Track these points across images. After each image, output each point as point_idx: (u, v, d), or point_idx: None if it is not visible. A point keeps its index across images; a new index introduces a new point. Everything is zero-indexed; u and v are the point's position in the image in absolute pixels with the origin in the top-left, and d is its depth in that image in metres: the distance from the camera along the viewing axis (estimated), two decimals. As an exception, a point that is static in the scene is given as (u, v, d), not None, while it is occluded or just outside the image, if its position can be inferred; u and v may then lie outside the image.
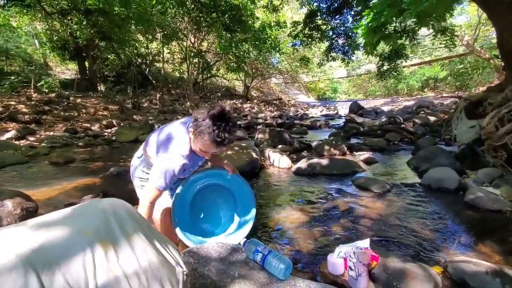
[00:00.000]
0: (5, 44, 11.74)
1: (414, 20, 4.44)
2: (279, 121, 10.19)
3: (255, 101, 20.32)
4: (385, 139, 5.94)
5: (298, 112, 17.07)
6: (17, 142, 5.64)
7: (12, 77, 8.64)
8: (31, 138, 6.18)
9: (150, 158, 1.38)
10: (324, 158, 3.90)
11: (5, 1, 8.65)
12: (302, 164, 3.71)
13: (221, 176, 1.61)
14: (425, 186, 3.05)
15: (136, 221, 0.72)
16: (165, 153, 1.24)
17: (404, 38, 7.48)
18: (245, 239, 1.33)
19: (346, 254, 1.30)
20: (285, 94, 28.13)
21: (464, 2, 10.30)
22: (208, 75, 16.73)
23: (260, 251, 1.18)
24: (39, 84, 9.41)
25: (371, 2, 3.04)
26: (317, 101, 31.05)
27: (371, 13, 3.02)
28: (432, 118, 8.63)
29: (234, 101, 18.54)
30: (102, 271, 0.57)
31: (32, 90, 9.56)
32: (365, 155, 4.41)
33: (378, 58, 10.05)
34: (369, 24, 2.93)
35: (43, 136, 6.40)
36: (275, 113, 15.06)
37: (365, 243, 1.40)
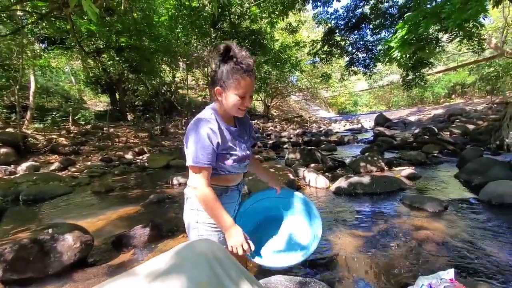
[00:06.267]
0: (46, 83, 13.02)
1: (437, 28, 4.31)
2: (305, 139, 10.06)
3: (275, 120, 20.41)
4: (422, 151, 5.63)
5: (321, 128, 16.84)
6: (60, 173, 5.98)
7: (54, 113, 9.41)
8: (72, 169, 6.53)
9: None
10: (363, 175, 3.73)
11: (47, 45, 9.60)
12: (342, 183, 3.56)
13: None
14: (484, 202, 2.79)
15: (235, 264, 0.68)
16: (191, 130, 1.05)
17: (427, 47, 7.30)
18: None
19: (432, 287, 1.16)
20: (305, 111, 28.09)
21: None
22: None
23: None
24: (76, 117, 10.17)
25: (405, 15, 2.99)
26: (338, 115, 30.67)
27: (406, 26, 2.97)
28: (470, 126, 8.13)
29: (256, 121, 18.73)
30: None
31: (70, 123, 10.32)
32: (406, 170, 4.16)
33: (401, 69, 9.82)
34: (405, 37, 2.87)
35: (82, 167, 6.76)
36: (297, 130, 14.94)
37: (449, 273, 1.25)
